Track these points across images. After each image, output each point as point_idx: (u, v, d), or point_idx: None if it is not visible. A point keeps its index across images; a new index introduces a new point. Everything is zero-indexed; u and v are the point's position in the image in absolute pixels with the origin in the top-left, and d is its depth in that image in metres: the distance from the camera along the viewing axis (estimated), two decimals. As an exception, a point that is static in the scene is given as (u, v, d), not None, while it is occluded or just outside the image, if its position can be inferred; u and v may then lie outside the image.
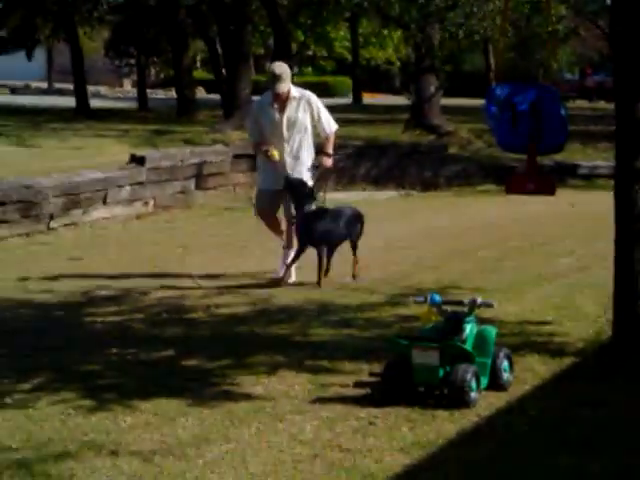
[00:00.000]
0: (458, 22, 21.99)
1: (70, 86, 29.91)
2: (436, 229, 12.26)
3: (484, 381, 5.48)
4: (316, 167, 8.95)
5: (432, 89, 22.16)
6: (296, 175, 8.84)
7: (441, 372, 5.34)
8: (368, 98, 39.91)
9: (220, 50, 24.37)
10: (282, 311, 7.66)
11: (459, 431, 4.94)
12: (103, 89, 39.75)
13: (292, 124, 8.86)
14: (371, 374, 5.72)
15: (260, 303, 7.94)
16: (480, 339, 5.59)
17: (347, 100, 39.34)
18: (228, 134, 18.75)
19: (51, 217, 12.07)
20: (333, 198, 16.06)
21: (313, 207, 8.70)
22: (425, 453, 4.64)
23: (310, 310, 7.68)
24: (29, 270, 9.56)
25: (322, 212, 8.83)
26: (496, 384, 5.56)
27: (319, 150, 9.09)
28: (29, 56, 28.42)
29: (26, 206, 11.71)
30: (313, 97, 9.02)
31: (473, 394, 5.28)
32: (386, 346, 6.00)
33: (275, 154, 8.76)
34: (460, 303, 5.74)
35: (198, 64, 43.79)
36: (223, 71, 24.26)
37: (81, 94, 26.26)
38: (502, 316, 7.04)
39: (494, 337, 5.67)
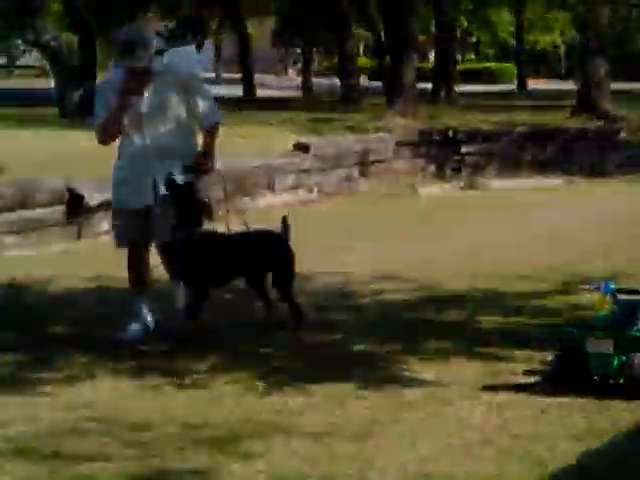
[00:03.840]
0: (631, 3, 21.31)
1: (237, 75, 30.55)
2: (605, 217, 11.96)
3: (662, 372, 5.31)
4: (189, 169, 6.37)
5: (602, 73, 21.56)
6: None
7: (616, 361, 5.21)
8: (533, 84, 39.17)
9: (384, 37, 24.38)
10: (449, 298, 7.63)
11: (636, 422, 4.82)
12: (268, 78, 40.38)
13: (156, 111, 6.35)
14: (542, 362, 5.63)
15: (427, 289, 7.93)
16: (657, 329, 5.42)
17: (511, 86, 38.75)
18: (391, 121, 18.75)
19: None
20: (498, 186, 15.88)
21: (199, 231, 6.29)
22: (600, 442, 4.54)
23: (477, 297, 7.63)
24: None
25: (210, 239, 6.37)
26: (674, 375, 5.38)
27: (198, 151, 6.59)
28: (199, 47, 29.20)
29: (196, 192, 12.03)
30: (191, 72, 6.75)
31: (650, 384, 5.13)
32: (557, 334, 5.90)
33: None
34: (636, 292, 5.59)
35: (361, 52, 43.95)
36: (387, 58, 24.29)
37: (248, 83, 26.78)
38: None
39: (672, 327, 5.49)
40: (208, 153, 6.48)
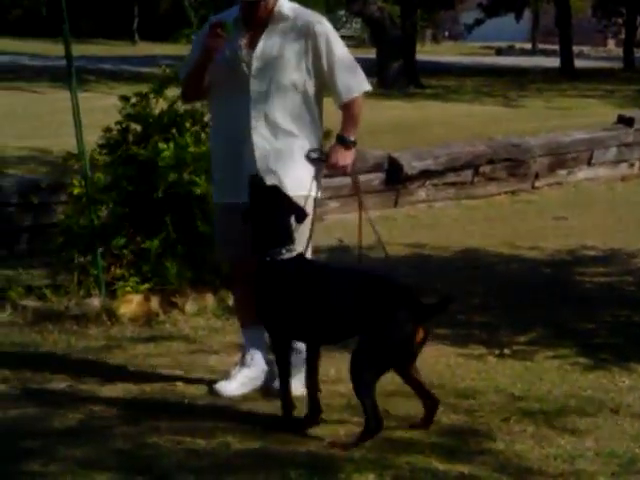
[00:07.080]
0: None
1: (553, 47, 29.89)
2: None
3: None
4: (319, 160, 4.67)
5: None
6: (271, 175, 4.54)
7: None
8: None
9: None
10: None
11: None
12: (586, 49, 39.23)
13: (269, 66, 4.57)
14: None
15: None
16: None
17: None
18: None
19: (536, 176, 12.21)
20: None
21: (288, 254, 4.27)
22: None
23: None
24: (516, 227, 9.76)
25: (306, 267, 4.34)
26: None
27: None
28: (518, 17, 28.78)
29: (513, 164, 11.94)
30: (323, 24, 4.62)
31: None
32: None
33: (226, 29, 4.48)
34: None
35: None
36: None
37: (566, 54, 26.12)
38: None
39: None
40: (344, 139, 4.65)
